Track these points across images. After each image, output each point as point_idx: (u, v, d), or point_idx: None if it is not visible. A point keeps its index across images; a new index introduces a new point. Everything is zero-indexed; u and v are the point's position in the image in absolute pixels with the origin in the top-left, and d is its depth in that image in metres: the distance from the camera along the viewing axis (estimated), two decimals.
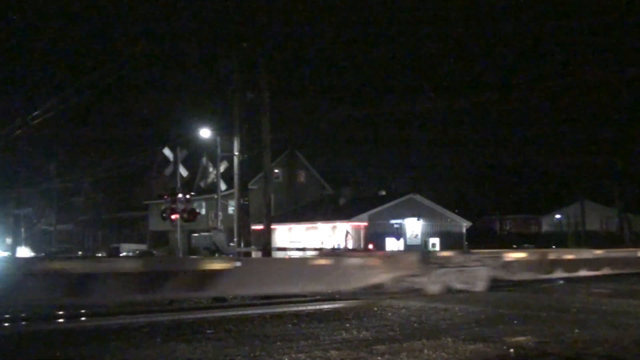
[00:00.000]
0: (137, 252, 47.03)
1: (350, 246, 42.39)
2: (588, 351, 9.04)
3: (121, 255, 43.16)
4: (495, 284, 19.79)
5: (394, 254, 27.76)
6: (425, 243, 44.46)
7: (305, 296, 17.27)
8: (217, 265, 16.06)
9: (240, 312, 14.07)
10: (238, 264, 16.65)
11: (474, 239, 45.78)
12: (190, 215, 26.97)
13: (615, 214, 51.21)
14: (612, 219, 53.18)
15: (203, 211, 46.31)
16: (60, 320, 13.60)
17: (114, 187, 65.30)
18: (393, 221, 43.35)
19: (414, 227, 44.85)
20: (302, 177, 54.81)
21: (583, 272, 22.90)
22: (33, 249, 52.99)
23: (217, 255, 25.71)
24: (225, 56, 28.79)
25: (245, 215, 29.46)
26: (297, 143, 53.83)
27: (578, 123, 50.47)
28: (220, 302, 16.68)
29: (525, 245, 44.89)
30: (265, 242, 29.73)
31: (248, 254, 28.12)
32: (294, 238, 47.20)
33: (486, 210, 65.86)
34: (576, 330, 10.81)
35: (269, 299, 16.77)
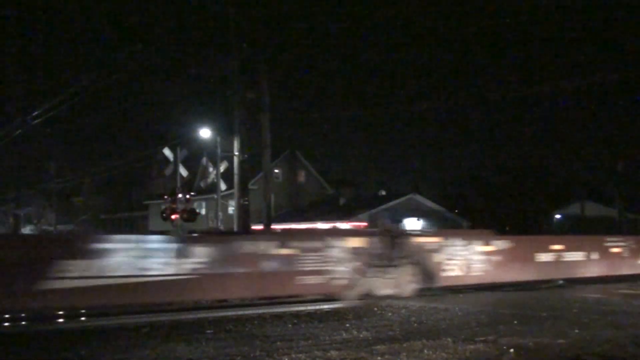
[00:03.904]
0: None
1: None
2: (588, 351, 9.03)
3: None
4: None
5: None
6: None
7: (305, 296, 17.28)
8: None
9: (240, 312, 14.06)
10: None
11: None
12: (190, 215, 27.01)
13: (615, 214, 51.18)
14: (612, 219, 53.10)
15: (203, 211, 46.32)
16: (60, 320, 13.59)
17: (114, 187, 65.31)
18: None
19: (414, 227, 44.84)
20: (302, 177, 54.84)
21: None
22: None
23: None
24: (226, 56, 28.78)
25: (245, 215, 29.42)
26: (297, 143, 53.92)
27: (578, 123, 50.47)
28: (220, 302, 16.67)
29: None
30: None
31: None
32: None
33: (486, 210, 65.71)
34: (576, 330, 10.80)
35: (269, 299, 16.78)
